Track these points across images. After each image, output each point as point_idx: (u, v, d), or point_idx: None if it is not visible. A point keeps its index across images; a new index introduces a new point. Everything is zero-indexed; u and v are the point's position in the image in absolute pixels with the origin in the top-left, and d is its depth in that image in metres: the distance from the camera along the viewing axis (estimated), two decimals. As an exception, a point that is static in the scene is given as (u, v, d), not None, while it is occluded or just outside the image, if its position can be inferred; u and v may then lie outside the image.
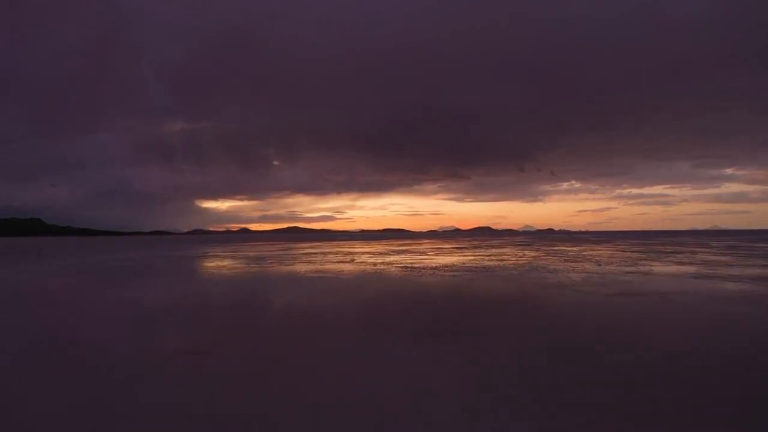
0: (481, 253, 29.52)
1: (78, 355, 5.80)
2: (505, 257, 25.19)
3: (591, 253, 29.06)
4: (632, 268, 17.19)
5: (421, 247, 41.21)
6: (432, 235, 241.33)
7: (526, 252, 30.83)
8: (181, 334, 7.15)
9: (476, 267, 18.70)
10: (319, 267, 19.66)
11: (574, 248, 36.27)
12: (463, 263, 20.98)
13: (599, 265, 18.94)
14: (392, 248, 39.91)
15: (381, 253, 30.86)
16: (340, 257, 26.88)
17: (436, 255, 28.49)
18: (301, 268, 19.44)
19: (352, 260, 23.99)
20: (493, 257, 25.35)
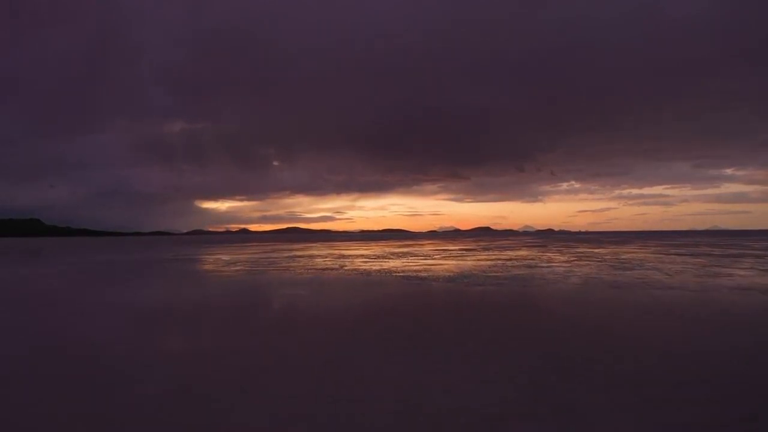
0: (496, 257, 24.79)
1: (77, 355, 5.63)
2: (530, 261, 20.48)
3: (628, 256, 24.36)
4: (728, 281, 12.52)
5: (425, 249, 36.51)
6: (432, 235, 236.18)
7: (550, 255, 26.11)
8: None
9: (503, 276, 14.00)
10: (297, 277, 14.96)
11: (600, 250, 31.57)
12: (483, 270, 16.27)
13: (668, 275, 14.24)
14: (392, 250, 35.21)
15: (379, 257, 26.14)
16: (329, 261, 22.17)
17: (444, 258, 23.79)
18: (271, 278, 14.75)
19: (342, 266, 19.27)
20: (515, 261, 20.64)
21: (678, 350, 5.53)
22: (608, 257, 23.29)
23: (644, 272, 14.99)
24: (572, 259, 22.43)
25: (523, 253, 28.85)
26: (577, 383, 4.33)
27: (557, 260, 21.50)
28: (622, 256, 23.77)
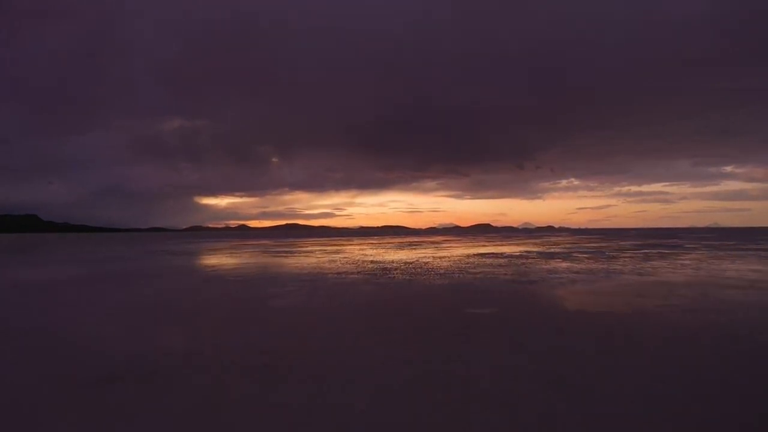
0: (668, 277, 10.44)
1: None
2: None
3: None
4: None
5: (455, 252, 22.07)
6: (432, 232, 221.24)
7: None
8: None
9: None
10: None
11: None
12: None
13: None
14: (393, 256, 20.82)
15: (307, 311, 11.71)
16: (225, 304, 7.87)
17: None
18: None
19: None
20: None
21: None
22: None
23: None
24: None
25: (681, 262, 14.46)
26: None
27: None
28: None
